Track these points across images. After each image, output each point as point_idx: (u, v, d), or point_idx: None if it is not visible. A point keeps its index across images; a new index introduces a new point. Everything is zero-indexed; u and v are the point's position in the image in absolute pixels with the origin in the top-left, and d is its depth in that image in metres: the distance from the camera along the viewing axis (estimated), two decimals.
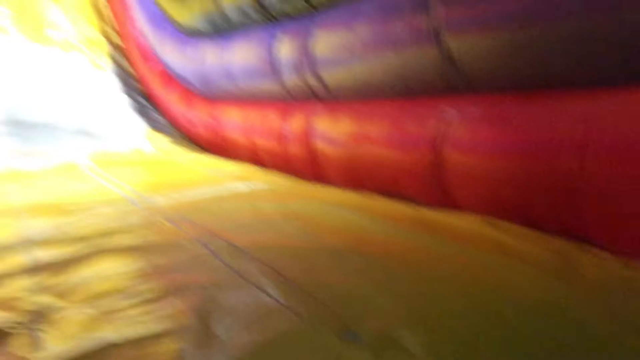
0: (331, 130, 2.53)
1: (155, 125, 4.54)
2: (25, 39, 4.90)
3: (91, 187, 2.75)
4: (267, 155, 3.15)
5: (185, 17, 3.99)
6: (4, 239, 1.75)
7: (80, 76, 4.81)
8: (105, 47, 5.20)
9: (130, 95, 4.86)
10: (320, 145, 2.62)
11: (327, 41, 2.43)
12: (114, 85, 4.90)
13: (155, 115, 4.70)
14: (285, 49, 2.75)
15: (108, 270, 1.35)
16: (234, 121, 3.52)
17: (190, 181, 2.64)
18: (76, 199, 2.40)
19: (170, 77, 4.53)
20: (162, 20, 4.41)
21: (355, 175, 2.38)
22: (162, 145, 4.14)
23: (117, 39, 5.34)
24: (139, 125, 4.53)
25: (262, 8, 2.94)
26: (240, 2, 3.11)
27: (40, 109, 4.37)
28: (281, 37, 2.79)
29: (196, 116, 4.12)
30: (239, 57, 3.28)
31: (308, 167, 2.75)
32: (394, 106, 2.10)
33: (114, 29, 5.40)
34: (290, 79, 2.78)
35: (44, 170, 3.37)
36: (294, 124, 2.83)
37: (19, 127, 4.17)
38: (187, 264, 1.36)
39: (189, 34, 4.02)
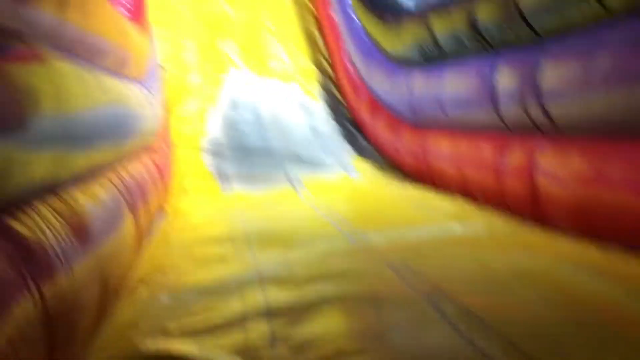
0: (558, 168, 2.31)
1: (361, 152, 4.63)
2: (251, 72, 5.37)
3: (308, 216, 2.87)
4: (479, 188, 3.00)
5: (396, 46, 4.02)
6: (240, 273, 1.87)
7: (296, 105, 5.11)
8: (318, 77, 5.47)
9: (339, 123, 5.04)
10: (544, 183, 2.41)
11: (556, 72, 2.24)
12: (326, 112, 5.12)
13: (362, 142, 4.81)
14: (506, 79, 2.60)
15: (337, 327, 1.35)
16: (443, 151, 3.43)
17: (402, 217, 2.61)
18: (298, 229, 2.51)
19: (377, 104, 4.60)
20: (372, 50, 4.50)
21: (588, 222, 2.14)
22: (368, 172, 4.20)
23: (328, 69, 5.59)
24: (347, 151, 4.66)
25: (480, 37, 2.82)
26: (455, 31, 3.02)
27: (261, 135, 4.72)
28: (501, 67, 2.64)
29: (403, 144, 4.11)
30: (451, 86, 3.19)
31: (527, 205, 2.55)
32: None
33: (326, 59, 5.67)
34: (510, 111, 2.62)
35: (265, 195, 3.61)
36: (512, 158, 2.66)
37: (243, 151, 4.55)
38: (415, 326, 1.30)
39: (398, 63, 4.04)
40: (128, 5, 3.70)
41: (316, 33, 5.85)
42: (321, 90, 5.36)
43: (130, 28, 3.20)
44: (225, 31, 5.69)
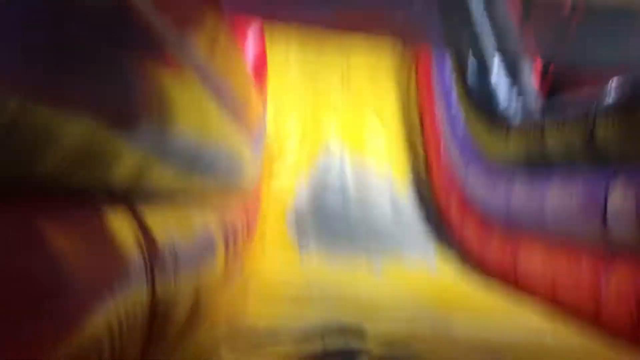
0: None
1: (445, 247, 4.54)
2: (346, 150, 5.49)
3: (386, 295, 2.78)
4: (572, 305, 2.84)
5: (499, 149, 4.01)
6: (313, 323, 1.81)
7: (385, 190, 5.14)
8: (411, 166, 5.52)
9: (426, 214, 5.00)
10: None
11: None
12: (413, 202, 5.11)
13: (447, 237, 4.73)
14: (620, 198, 2.51)
15: None
16: (534, 262, 3.30)
17: (487, 314, 2.49)
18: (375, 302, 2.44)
19: (468, 202, 4.55)
20: (472, 150, 4.51)
21: None
22: (449, 267, 4.10)
23: (423, 160, 5.63)
24: (430, 243, 4.59)
25: (596, 151, 2.76)
26: (569, 144, 2.99)
27: (346, 215, 4.75)
28: (616, 184, 2.56)
29: (490, 247, 4.00)
30: (555, 197, 3.11)
31: (627, 329, 2.37)
32: None
33: (423, 150, 5.72)
34: (621, 231, 2.50)
35: (344, 270, 3.53)
36: (615, 279, 2.51)
37: (327, 228, 4.56)
38: None
39: (500, 168, 4.01)
40: (252, 66, 3.91)
41: (417, 124, 5.95)
42: (412, 179, 5.38)
43: (253, 88, 3.37)
44: (330, 107, 5.91)
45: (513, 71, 4.64)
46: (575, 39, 4.51)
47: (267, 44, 6.41)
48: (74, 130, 0.94)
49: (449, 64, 5.38)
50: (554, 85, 5.10)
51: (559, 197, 3.07)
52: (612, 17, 3.33)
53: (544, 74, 5.23)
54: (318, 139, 5.59)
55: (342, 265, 3.78)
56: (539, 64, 5.41)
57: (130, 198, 1.30)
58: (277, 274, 3.17)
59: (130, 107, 1.17)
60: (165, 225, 1.42)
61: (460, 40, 4.60)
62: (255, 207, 4.03)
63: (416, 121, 6.02)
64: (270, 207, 4.73)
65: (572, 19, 4.63)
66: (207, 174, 2.13)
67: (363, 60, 6.55)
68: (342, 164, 5.32)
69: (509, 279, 3.59)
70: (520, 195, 3.54)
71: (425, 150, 5.70)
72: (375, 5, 6.45)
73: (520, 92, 4.37)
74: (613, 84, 2.69)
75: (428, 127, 5.75)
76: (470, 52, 4.76)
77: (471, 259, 4.29)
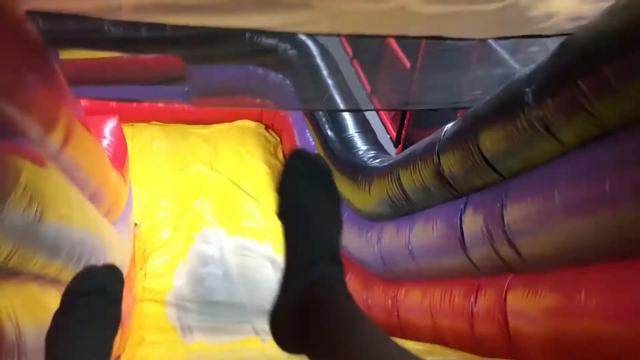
0: (529, 305, 2.30)
1: None
2: (223, 230, 5.42)
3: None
4: (451, 334, 2.93)
5: (365, 202, 4.17)
6: None
7: (266, 261, 5.10)
8: None
9: None
10: (515, 321, 2.38)
11: (521, 210, 2.33)
12: None
13: None
14: (472, 222, 2.69)
15: None
16: (415, 302, 3.39)
17: None
18: None
19: (349, 262, 4.63)
20: (344, 208, 4.64)
21: (562, 355, 2.08)
22: None
23: None
24: None
25: (448, 185, 2.96)
26: (423, 183, 3.18)
27: (229, 290, 4.63)
28: (468, 211, 2.75)
29: (373, 298, 4.06)
30: (420, 235, 3.26)
31: (500, 346, 2.48)
32: (611, 270, 1.87)
33: None
34: (479, 253, 2.67)
35: (229, 344, 3.44)
36: (483, 300, 2.64)
37: (209, 305, 4.41)
38: None
39: (370, 219, 4.16)
40: (109, 153, 3.84)
41: None
42: None
43: (111, 172, 3.30)
44: (201, 191, 5.86)
45: (365, 125, 4.93)
46: (419, 88, 4.88)
47: (129, 136, 6.32)
48: None
49: (309, 132, 5.61)
50: (410, 141, 5.48)
51: (422, 234, 3.23)
52: (447, 61, 3.68)
53: (400, 125, 5.61)
54: (193, 225, 5.48)
55: (228, 339, 3.64)
56: (393, 116, 5.80)
57: None
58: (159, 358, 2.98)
59: None
60: (13, 308, 1.31)
61: (315, 104, 4.83)
62: (128, 299, 3.83)
63: None
64: (146, 298, 4.50)
65: (414, 71, 5.03)
66: (68, 258, 2.04)
67: (229, 145, 6.66)
68: (220, 247, 5.23)
69: (394, 327, 3.64)
70: (389, 241, 3.68)
71: None
72: (232, 94, 6.68)
73: (374, 143, 4.64)
74: (452, 123, 2.95)
75: None
76: (325, 113, 5.02)
77: None
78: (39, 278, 1.73)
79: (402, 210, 3.58)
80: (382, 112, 6.22)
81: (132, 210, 4.83)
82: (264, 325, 4.06)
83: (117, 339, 3.12)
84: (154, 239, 5.27)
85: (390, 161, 3.77)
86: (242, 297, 4.53)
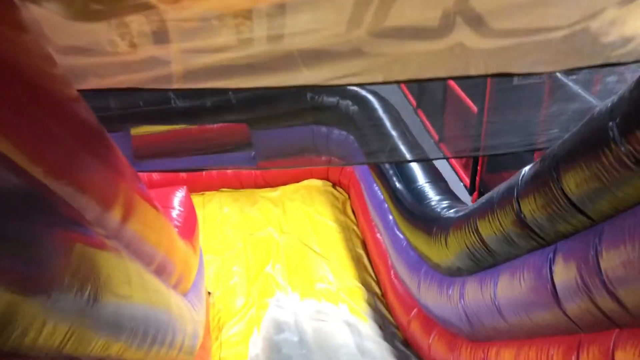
0: None
1: None
2: (297, 294, 5.29)
3: None
4: None
5: (443, 256, 3.94)
6: None
7: (343, 325, 4.90)
8: (365, 296, 5.33)
9: (390, 342, 4.74)
10: None
11: (619, 256, 2.07)
12: (375, 332, 4.86)
13: None
14: (564, 272, 2.43)
15: None
16: None
17: None
18: None
19: (428, 319, 4.36)
20: (419, 263, 4.43)
21: None
22: None
23: (376, 288, 5.47)
24: None
25: (531, 232, 2.72)
26: (503, 232, 2.95)
27: (307, 358, 4.44)
28: (557, 260, 2.49)
29: (459, 359, 3.77)
30: (506, 290, 3.00)
31: None
32: None
33: (373, 278, 5.59)
34: (576, 306, 2.39)
35: None
36: (587, 356, 2.34)
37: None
38: None
39: (447, 274, 3.92)
40: (178, 223, 3.85)
41: (362, 253, 5.87)
42: (369, 309, 5.17)
43: (179, 243, 3.27)
44: (273, 256, 5.79)
45: (435, 174, 4.74)
46: (489, 131, 4.68)
47: (200, 205, 6.40)
48: None
49: (377, 186, 5.47)
50: (485, 187, 5.24)
51: (508, 288, 2.96)
52: (516, 100, 3.49)
53: (473, 171, 5.38)
54: (266, 290, 5.39)
55: None
56: (465, 163, 5.59)
57: None
58: None
59: (46, 276, 1.17)
60: None
61: (381, 157, 4.72)
62: None
63: (361, 250, 5.96)
64: None
65: (482, 114, 4.85)
66: (132, 336, 1.97)
67: (297, 205, 6.62)
68: (294, 312, 5.08)
69: None
70: (473, 297, 3.41)
71: (376, 278, 5.58)
72: (297, 154, 6.71)
73: (446, 192, 4.43)
74: (529, 166, 2.74)
75: (374, 255, 5.69)
76: (392, 165, 4.89)
77: None
78: None
79: (483, 262, 3.33)
80: (452, 160, 6.02)
81: (204, 279, 4.79)
82: None
83: None
84: (228, 307, 5.20)
85: (466, 211, 3.56)
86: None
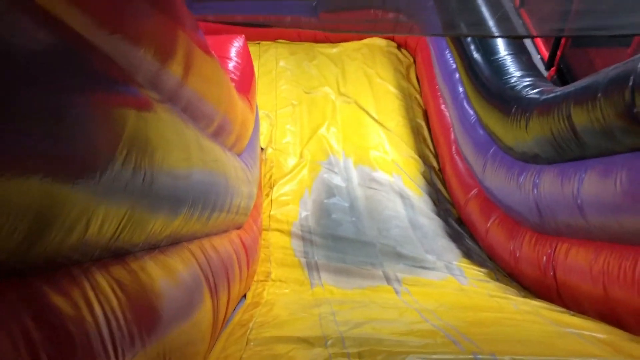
0: None
1: (469, 254, 4.11)
2: (350, 160, 5.08)
3: (413, 323, 2.39)
4: (632, 316, 2.41)
5: (520, 139, 3.59)
6: None
7: (396, 196, 4.73)
8: (422, 169, 5.10)
9: (443, 219, 4.57)
10: None
11: None
12: (428, 207, 4.69)
13: (470, 242, 4.29)
14: None
15: None
16: (581, 264, 2.87)
17: (539, 342, 2.07)
18: (403, 340, 2.04)
19: (489, 202, 4.13)
20: (489, 144, 4.10)
21: None
22: (478, 279, 3.65)
23: (434, 161, 5.21)
24: (452, 251, 4.16)
25: (636, 125, 2.34)
26: (605, 123, 2.57)
27: (356, 225, 4.34)
28: None
29: (521, 250, 3.57)
30: (595, 188, 2.69)
31: None
32: None
33: (432, 151, 5.31)
34: None
35: (359, 293, 3.17)
36: None
37: (335, 241, 4.16)
38: None
39: (520, 159, 3.60)
40: (235, 77, 3.57)
41: (422, 124, 5.54)
42: (424, 183, 4.95)
43: (237, 99, 3.02)
44: (328, 118, 5.52)
45: (519, 46, 4.24)
46: (579, 8, 4.10)
47: (255, 56, 6.07)
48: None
49: (449, 53, 4.99)
50: (566, 64, 4.70)
51: (598, 187, 2.65)
52: None
53: (554, 52, 4.81)
54: (319, 152, 5.19)
55: (358, 284, 3.36)
56: (545, 43, 4.99)
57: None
58: (284, 308, 2.75)
59: (92, 155, 0.96)
60: (104, 295, 1.03)
61: (459, 26, 4.19)
62: (256, 231, 3.65)
63: (422, 121, 5.63)
64: (272, 225, 4.34)
65: None
66: (184, 210, 1.79)
67: (357, 66, 6.20)
68: (347, 177, 4.90)
69: (548, 287, 3.16)
70: (550, 189, 3.12)
71: (435, 152, 5.29)
72: (363, 7, 6.14)
73: (530, 69, 3.97)
74: None
75: (437, 127, 5.35)
76: (472, 36, 4.38)
77: (501, 265, 3.85)
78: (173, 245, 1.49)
79: (568, 153, 2.99)
80: (531, 26, 5.40)
81: (259, 136, 4.60)
82: (396, 272, 3.76)
83: (244, 275, 2.95)
84: (280, 165, 5.06)
85: (557, 92, 3.14)
86: (371, 235, 4.21)
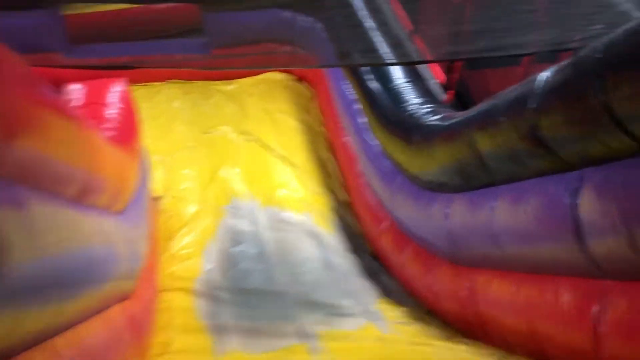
0: None
1: (388, 292, 3.88)
2: (256, 201, 4.78)
3: None
4: (560, 350, 2.25)
5: (425, 168, 3.45)
6: None
7: (306, 237, 4.46)
8: (332, 205, 4.87)
9: (358, 255, 4.34)
10: None
11: None
12: (341, 245, 4.45)
13: (387, 278, 4.07)
14: (595, 206, 1.95)
15: None
16: (500, 296, 2.70)
17: None
18: None
19: (402, 234, 3.94)
20: (393, 173, 3.94)
21: None
22: (399, 319, 3.42)
23: (344, 196, 5.00)
24: (369, 291, 3.92)
25: (548, 153, 2.21)
26: (510, 147, 2.43)
27: (267, 274, 4.02)
28: (585, 190, 2.00)
29: (438, 283, 3.39)
30: (508, 216, 2.54)
31: None
32: None
33: (340, 185, 5.11)
34: (605, 248, 1.94)
35: (273, 355, 2.85)
36: (615, 313, 1.93)
37: (244, 295, 3.82)
38: None
39: (428, 188, 3.44)
40: (111, 125, 3.20)
41: (329, 157, 5.35)
42: (336, 218, 4.72)
43: (109, 152, 2.65)
44: (230, 158, 5.20)
45: (415, 75, 4.15)
46: (473, 30, 4.08)
47: (145, 98, 5.69)
48: None
49: (348, 84, 4.85)
50: (464, 86, 4.68)
51: (510, 214, 2.49)
52: None
53: (449, 75, 4.78)
54: (221, 196, 4.84)
55: (269, 347, 3.03)
56: (440, 66, 4.96)
57: None
58: None
59: None
60: None
61: (353, 55, 4.06)
62: (148, 295, 3.24)
63: (328, 154, 5.44)
64: (173, 284, 3.92)
65: (465, 7, 4.23)
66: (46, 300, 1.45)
67: (256, 102, 5.97)
68: (253, 221, 4.58)
69: (471, 324, 2.97)
70: (462, 219, 2.96)
71: (344, 186, 5.09)
72: (256, 42, 5.94)
73: (428, 95, 3.87)
74: (550, 70, 2.18)
75: (342, 160, 5.16)
76: (367, 65, 4.25)
77: (420, 302, 3.65)
78: None
79: (476, 180, 2.85)
80: (427, 51, 5.37)
81: (149, 186, 4.20)
82: (312, 325, 3.47)
83: (129, 357, 2.56)
84: (179, 214, 4.66)
85: (458, 119, 3.01)
86: (283, 282, 3.90)
